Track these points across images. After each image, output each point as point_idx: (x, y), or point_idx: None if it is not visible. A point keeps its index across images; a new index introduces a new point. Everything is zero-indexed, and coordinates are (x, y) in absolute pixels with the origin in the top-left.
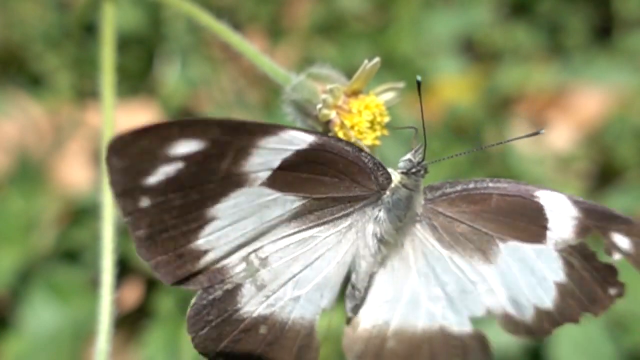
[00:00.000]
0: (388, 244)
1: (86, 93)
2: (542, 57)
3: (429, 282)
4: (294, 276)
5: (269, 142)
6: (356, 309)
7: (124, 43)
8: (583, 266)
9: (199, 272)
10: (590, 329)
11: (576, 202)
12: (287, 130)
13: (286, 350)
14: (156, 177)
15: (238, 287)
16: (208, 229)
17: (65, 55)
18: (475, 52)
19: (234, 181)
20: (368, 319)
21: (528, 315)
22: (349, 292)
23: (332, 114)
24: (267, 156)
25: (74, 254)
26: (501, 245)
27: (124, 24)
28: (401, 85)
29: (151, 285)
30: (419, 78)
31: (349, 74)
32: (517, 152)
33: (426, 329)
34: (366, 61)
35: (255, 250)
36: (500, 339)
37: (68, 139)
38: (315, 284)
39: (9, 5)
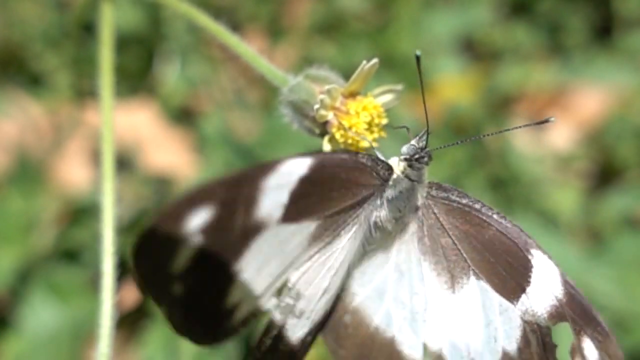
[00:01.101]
0: (383, 233)
1: (86, 93)
2: (542, 57)
3: (400, 283)
4: (324, 292)
5: (272, 181)
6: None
7: (124, 43)
8: (538, 352)
9: (237, 324)
10: None
11: (565, 283)
12: (284, 162)
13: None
14: (180, 262)
15: (282, 328)
16: (237, 283)
17: (65, 55)
18: (475, 51)
19: (252, 231)
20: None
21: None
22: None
23: (330, 115)
24: (274, 194)
25: (73, 254)
26: (472, 279)
27: (124, 24)
28: (400, 87)
29: None
30: (418, 52)
31: (349, 73)
32: (517, 151)
33: (379, 331)
34: (364, 62)
35: (284, 284)
36: None
37: (67, 138)
38: (336, 287)
39: (8, 5)
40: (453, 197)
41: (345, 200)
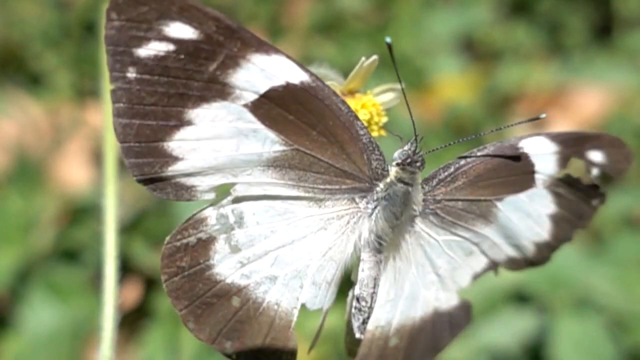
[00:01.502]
0: (386, 244)
1: (86, 92)
2: (542, 56)
3: (425, 271)
4: (270, 250)
5: (261, 61)
6: (364, 323)
7: None
8: (569, 192)
9: (168, 181)
10: (590, 328)
11: (553, 137)
12: (282, 55)
13: (258, 335)
14: (147, 51)
15: (211, 239)
16: (183, 132)
17: (65, 54)
18: (475, 51)
19: (218, 90)
20: (370, 322)
21: (528, 252)
22: (356, 307)
23: None
24: (255, 75)
25: (73, 254)
26: (499, 204)
27: None
28: (399, 86)
29: (151, 285)
30: (388, 40)
31: (349, 73)
32: None
33: (423, 317)
34: (363, 59)
35: (227, 188)
36: (500, 339)
37: (67, 138)
38: (295, 270)
39: (8, 5)
40: (442, 175)
41: (322, 152)
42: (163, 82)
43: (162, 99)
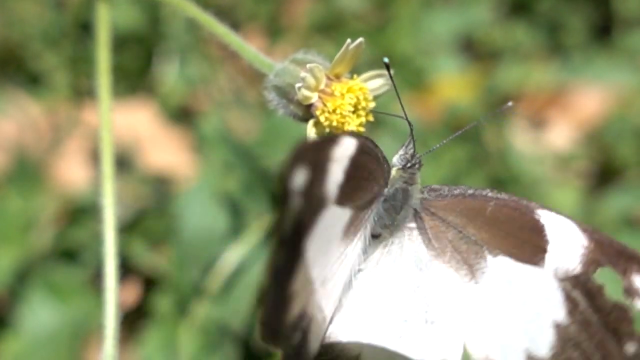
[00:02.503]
0: (379, 238)
1: (84, 92)
2: (542, 56)
3: (421, 300)
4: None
5: (337, 152)
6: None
7: (122, 42)
8: (589, 306)
9: (291, 324)
10: None
11: (586, 230)
12: (342, 137)
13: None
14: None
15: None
16: (303, 265)
17: (64, 54)
18: (474, 51)
19: (322, 203)
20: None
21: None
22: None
23: (314, 98)
24: (336, 167)
25: (72, 254)
26: (490, 259)
27: (122, 23)
28: (389, 72)
29: (150, 285)
30: (386, 60)
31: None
32: (516, 151)
33: None
34: (349, 41)
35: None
36: None
37: (66, 138)
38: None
39: (7, 4)
40: (444, 192)
41: (367, 193)
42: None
43: (291, 249)
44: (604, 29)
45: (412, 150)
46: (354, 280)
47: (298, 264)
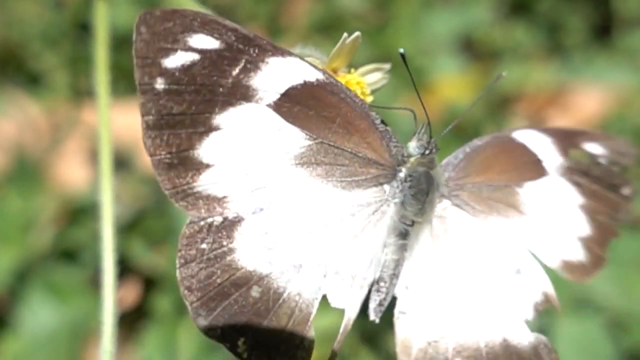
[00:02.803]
0: (412, 230)
1: (84, 92)
2: (542, 56)
3: (469, 277)
4: (298, 236)
5: (278, 63)
6: (381, 305)
7: (122, 42)
8: (589, 181)
9: (199, 194)
10: (590, 328)
11: (544, 130)
12: (296, 57)
13: (274, 329)
14: (174, 61)
15: (239, 220)
16: (211, 137)
17: (64, 54)
18: (474, 51)
19: (242, 93)
20: (419, 335)
21: (578, 251)
22: (374, 289)
23: None
24: (275, 77)
25: (72, 254)
26: (520, 192)
27: (122, 23)
28: (388, 66)
29: (150, 285)
30: (401, 50)
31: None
32: None
33: (490, 344)
34: (345, 35)
35: (258, 188)
36: None
37: (66, 138)
38: (320, 257)
39: (7, 4)
40: (454, 161)
41: (345, 142)
42: (190, 90)
43: (189, 107)
44: (604, 29)
45: (427, 137)
46: (403, 267)
47: (203, 129)
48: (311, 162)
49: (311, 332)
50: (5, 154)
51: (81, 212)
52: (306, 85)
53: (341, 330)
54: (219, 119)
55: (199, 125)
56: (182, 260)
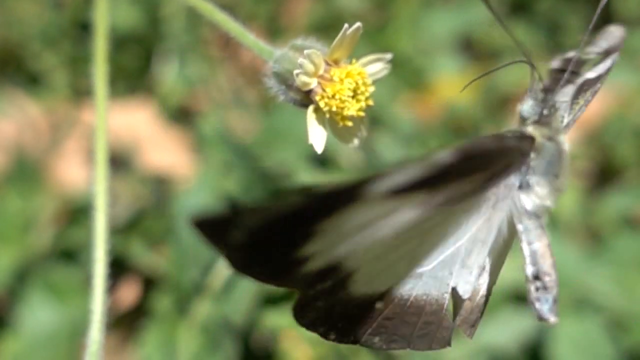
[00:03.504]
0: (547, 208)
1: (83, 92)
2: (542, 56)
3: None
4: (410, 250)
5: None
6: (555, 302)
7: (122, 42)
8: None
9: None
10: (589, 328)
11: None
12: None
13: (407, 325)
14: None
15: (350, 274)
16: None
17: (63, 54)
18: (474, 51)
19: None
20: (485, 286)
21: None
22: (538, 287)
23: (313, 83)
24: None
25: (71, 253)
26: None
27: (122, 23)
28: (389, 56)
29: (149, 285)
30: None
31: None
32: None
33: None
34: (346, 26)
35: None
36: (498, 339)
37: (66, 137)
38: (442, 262)
39: (6, 4)
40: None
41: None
42: None
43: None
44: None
45: (541, 94)
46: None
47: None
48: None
49: (447, 317)
50: (5, 153)
51: (81, 212)
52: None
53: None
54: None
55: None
56: (302, 320)
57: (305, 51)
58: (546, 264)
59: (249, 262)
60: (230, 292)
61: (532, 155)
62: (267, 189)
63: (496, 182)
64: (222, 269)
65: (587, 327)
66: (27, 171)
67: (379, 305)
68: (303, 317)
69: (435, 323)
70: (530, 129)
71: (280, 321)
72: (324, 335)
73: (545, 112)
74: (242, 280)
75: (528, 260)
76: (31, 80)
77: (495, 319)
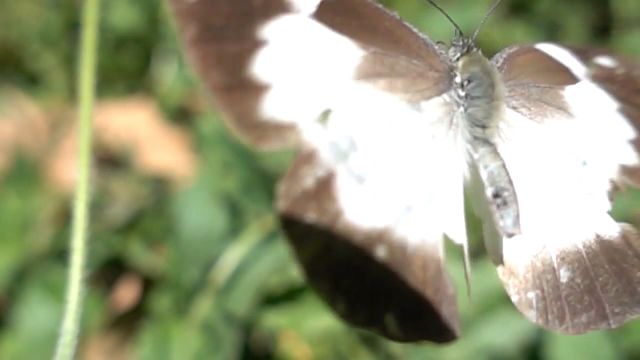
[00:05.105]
0: (490, 131)
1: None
2: None
3: (549, 173)
4: (394, 171)
5: None
6: (518, 217)
7: (121, 42)
8: (615, 87)
9: (266, 122)
10: None
11: (560, 45)
12: None
13: (415, 292)
14: None
15: (332, 175)
16: (262, 53)
17: (62, 54)
18: None
19: (277, 4)
20: (522, 252)
21: (633, 155)
22: (498, 204)
23: None
24: None
25: (70, 253)
26: (564, 94)
27: (121, 23)
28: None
29: (148, 285)
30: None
31: None
32: None
33: (586, 244)
34: None
35: (326, 113)
36: (498, 339)
37: (64, 137)
38: (423, 190)
39: (6, 4)
40: (499, 64)
41: (396, 49)
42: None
43: (229, 19)
44: (603, 29)
45: (463, 40)
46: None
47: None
48: (372, 75)
49: (450, 282)
50: (3, 153)
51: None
52: None
53: (466, 264)
54: (262, 32)
55: (245, 39)
56: (300, 253)
57: None
58: (503, 181)
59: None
60: (229, 292)
61: (460, 77)
62: (267, 189)
63: (428, 83)
64: (221, 269)
65: None
66: (26, 171)
67: (381, 251)
68: (295, 234)
69: (441, 290)
70: (460, 61)
71: (280, 321)
72: (332, 301)
73: (466, 47)
74: (241, 281)
75: (487, 183)
76: (30, 80)
77: (495, 319)
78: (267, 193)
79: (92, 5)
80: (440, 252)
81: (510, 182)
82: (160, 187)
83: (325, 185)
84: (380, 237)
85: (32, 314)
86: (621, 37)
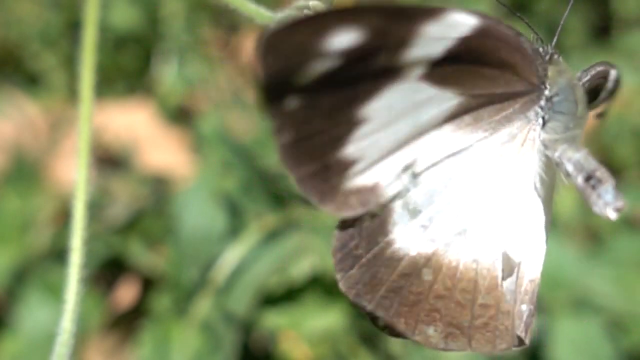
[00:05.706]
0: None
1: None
2: None
3: None
4: (452, 198)
5: (431, 29)
6: (616, 190)
7: (121, 42)
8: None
9: (349, 191)
10: (589, 329)
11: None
12: (451, 13)
13: (463, 307)
14: (307, 76)
15: (388, 212)
16: (358, 133)
17: (62, 54)
18: None
19: (389, 76)
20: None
21: None
22: (592, 184)
23: None
24: (427, 46)
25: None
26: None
27: (121, 23)
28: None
29: (148, 285)
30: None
31: None
32: None
33: None
34: None
35: (408, 166)
36: None
37: (64, 137)
38: (483, 211)
39: (6, 4)
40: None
41: (496, 85)
42: (329, 96)
43: (330, 113)
44: (603, 30)
45: (542, 45)
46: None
47: (346, 126)
48: (459, 115)
49: (505, 297)
50: (3, 153)
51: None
52: (460, 42)
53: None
54: (363, 112)
55: (342, 125)
56: (342, 274)
57: (311, 2)
58: (592, 164)
59: (296, 145)
60: (229, 292)
61: (549, 90)
62: (267, 189)
63: (515, 105)
64: (221, 269)
65: (586, 327)
66: (26, 171)
67: (426, 274)
68: (344, 273)
69: (493, 305)
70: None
71: (280, 321)
72: (372, 317)
73: (550, 56)
74: (241, 281)
75: (575, 173)
76: (30, 80)
77: None
78: (267, 193)
79: (92, 5)
80: (498, 270)
81: (599, 163)
82: (160, 187)
83: (380, 219)
84: (427, 261)
85: (32, 313)
86: (621, 37)
